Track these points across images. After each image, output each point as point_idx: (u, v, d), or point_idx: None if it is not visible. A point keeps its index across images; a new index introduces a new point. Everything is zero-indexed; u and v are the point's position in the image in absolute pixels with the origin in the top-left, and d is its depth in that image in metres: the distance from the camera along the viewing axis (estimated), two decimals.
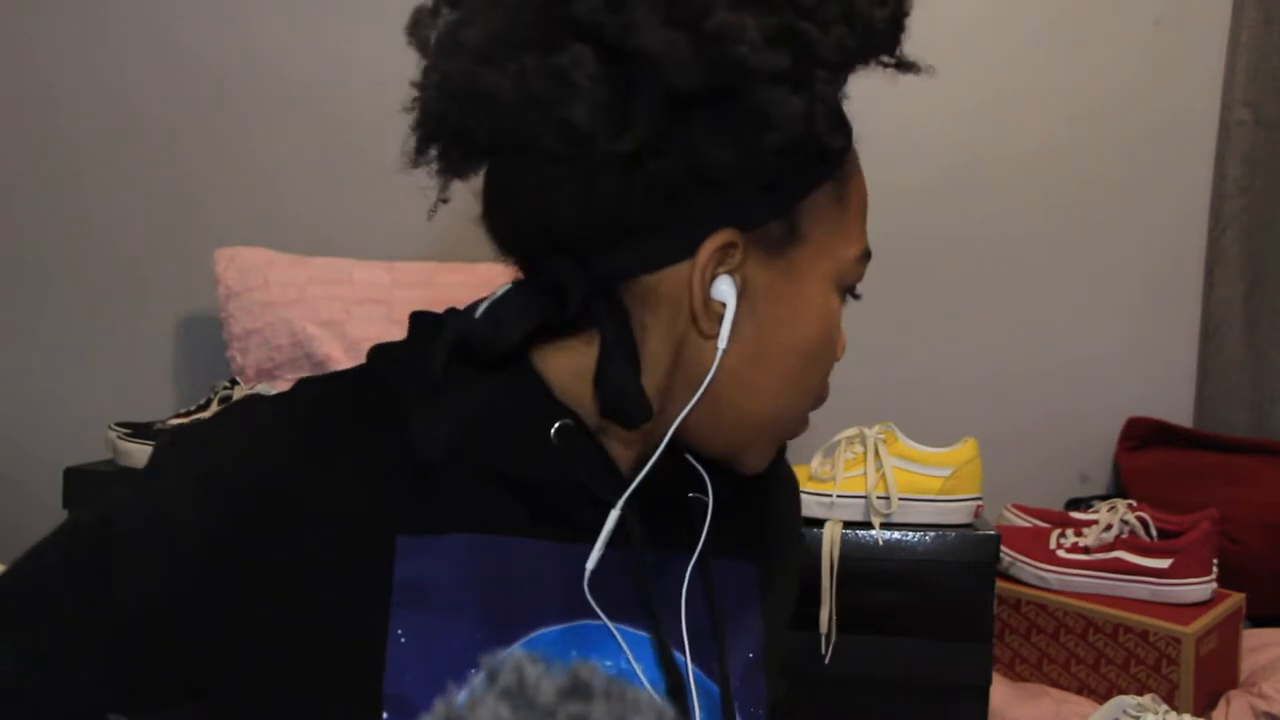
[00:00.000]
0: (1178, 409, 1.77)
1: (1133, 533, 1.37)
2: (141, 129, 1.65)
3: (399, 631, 0.54)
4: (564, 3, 0.53)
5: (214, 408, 1.29)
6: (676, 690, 0.60)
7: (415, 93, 0.59)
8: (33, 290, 1.66)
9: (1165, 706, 1.15)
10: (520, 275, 0.63)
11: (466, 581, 0.56)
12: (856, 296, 0.67)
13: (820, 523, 1.18)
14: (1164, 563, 1.33)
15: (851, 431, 1.24)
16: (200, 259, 1.53)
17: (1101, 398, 1.76)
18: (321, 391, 0.60)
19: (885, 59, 0.64)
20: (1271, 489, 1.59)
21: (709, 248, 0.57)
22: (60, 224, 1.66)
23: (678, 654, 0.61)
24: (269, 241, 1.51)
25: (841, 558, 1.15)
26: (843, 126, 0.64)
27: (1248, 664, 1.37)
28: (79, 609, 0.55)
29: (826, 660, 1.15)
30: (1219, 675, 1.32)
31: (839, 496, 1.18)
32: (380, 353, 0.62)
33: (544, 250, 0.58)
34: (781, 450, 0.70)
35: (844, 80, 0.61)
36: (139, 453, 1.28)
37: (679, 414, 0.60)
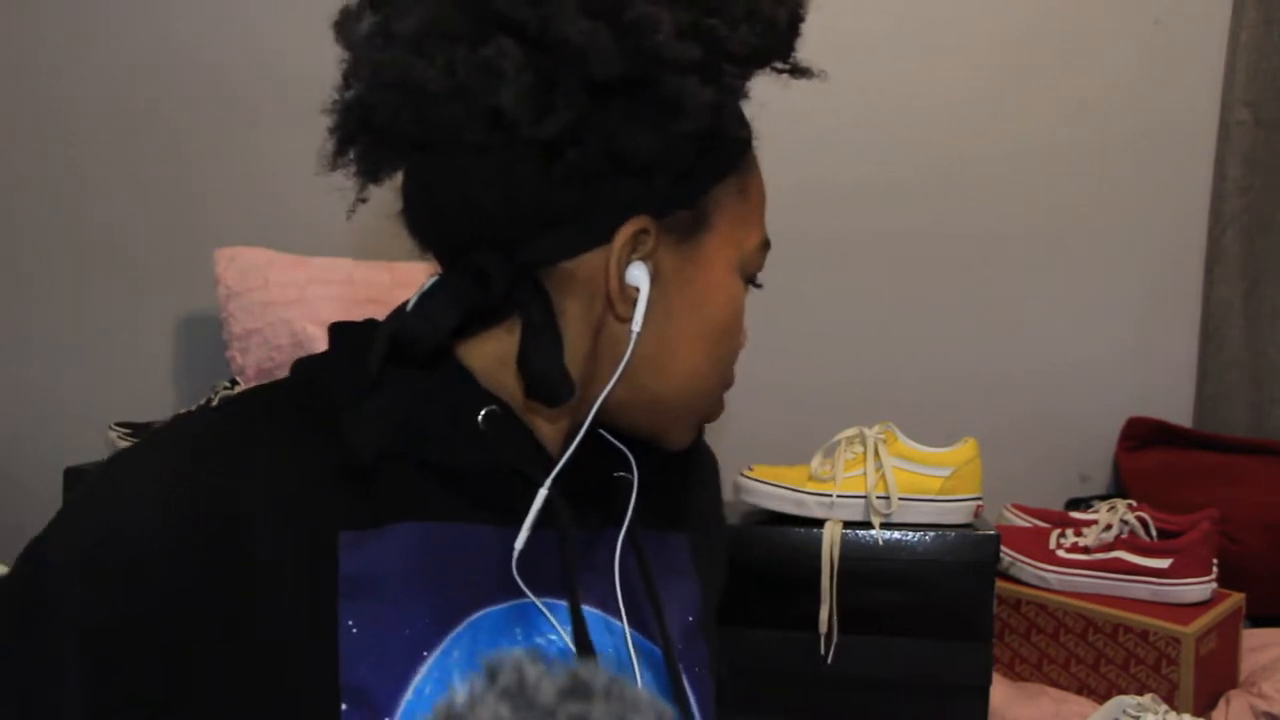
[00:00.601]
0: (1178, 409, 1.77)
1: (1133, 533, 1.37)
2: (142, 129, 1.65)
3: (349, 623, 0.55)
4: (485, 1, 0.55)
5: None
6: (621, 659, 0.62)
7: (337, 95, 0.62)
8: (33, 290, 1.66)
9: (1165, 706, 1.15)
10: (440, 270, 0.65)
11: (410, 570, 0.58)
12: (758, 286, 0.71)
13: (820, 523, 1.18)
14: (1164, 563, 1.33)
15: (851, 431, 1.24)
16: (200, 259, 1.53)
17: (1101, 398, 1.76)
18: (254, 401, 0.61)
19: (780, 64, 0.68)
20: (1271, 489, 1.59)
21: (624, 234, 0.60)
22: (60, 224, 1.66)
23: (614, 620, 0.64)
24: (269, 241, 1.51)
25: (841, 558, 1.15)
26: (744, 122, 0.68)
27: (1248, 664, 1.37)
28: (34, 671, 0.54)
29: (828, 660, 1.15)
30: (1219, 675, 1.32)
31: (839, 496, 1.18)
32: (306, 362, 0.64)
33: (466, 242, 0.60)
34: (700, 431, 0.74)
35: (748, 77, 0.65)
36: None
37: (600, 395, 0.63)
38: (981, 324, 1.76)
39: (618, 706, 0.31)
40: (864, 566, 1.16)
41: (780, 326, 1.75)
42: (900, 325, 1.76)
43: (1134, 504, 1.42)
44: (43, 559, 0.55)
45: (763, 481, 1.22)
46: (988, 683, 1.18)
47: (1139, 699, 1.16)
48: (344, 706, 0.54)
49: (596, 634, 0.62)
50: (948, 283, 1.76)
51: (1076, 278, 1.77)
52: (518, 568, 0.60)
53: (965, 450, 1.24)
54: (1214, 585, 1.35)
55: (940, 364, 1.76)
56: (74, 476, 1.29)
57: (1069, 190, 1.76)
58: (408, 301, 0.63)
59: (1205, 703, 1.28)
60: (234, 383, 1.33)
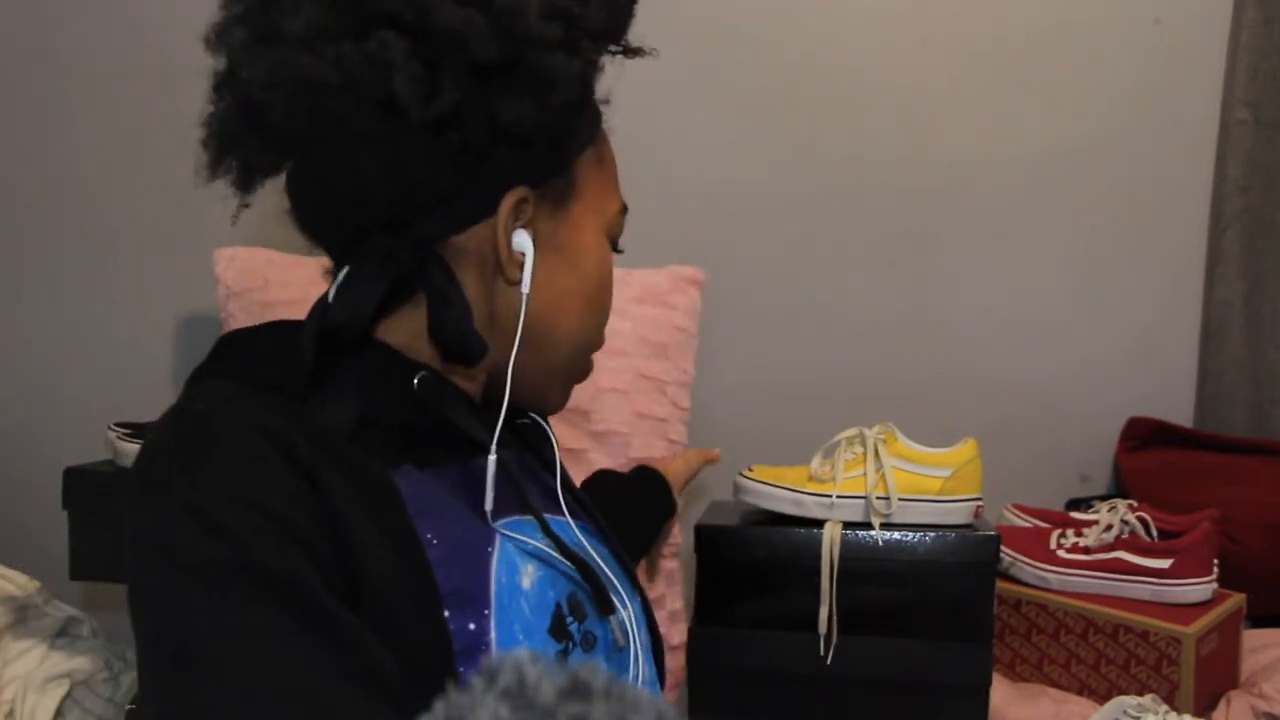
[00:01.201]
0: (1178, 409, 1.77)
1: (1133, 533, 1.37)
2: (142, 128, 1.65)
3: (429, 536, 0.62)
4: None
5: None
6: (579, 545, 0.72)
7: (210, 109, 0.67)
8: (33, 290, 1.66)
9: (1165, 707, 1.15)
10: (331, 263, 0.71)
11: (439, 495, 0.65)
12: (619, 251, 0.76)
13: (820, 523, 1.18)
14: (1164, 563, 1.33)
15: (851, 432, 1.23)
16: (200, 259, 1.53)
17: (1101, 398, 1.76)
18: (228, 395, 0.63)
19: (616, 47, 0.72)
20: (1272, 489, 1.59)
21: (507, 204, 0.67)
22: (60, 224, 1.66)
23: (562, 518, 0.74)
24: (269, 241, 1.51)
25: (841, 558, 1.15)
26: (595, 104, 0.73)
27: (1248, 664, 1.37)
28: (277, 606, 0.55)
29: (828, 661, 1.15)
30: (1219, 675, 1.32)
31: (839, 497, 1.17)
32: (239, 359, 0.67)
33: (362, 228, 0.66)
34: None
35: (602, 51, 0.70)
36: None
37: (505, 359, 0.69)
38: (981, 324, 1.76)
39: (618, 706, 0.31)
40: (864, 567, 1.16)
41: (781, 325, 1.75)
42: (900, 325, 1.76)
43: (1134, 504, 1.42)
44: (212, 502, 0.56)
45: (762, 482, 1.22)
46: (988, 683, 1.18)
47: (1139, 699, 1.16)
48: (446, 613, 0.60)
49: (562, 531, 0.72)
50: (948, 283, 1.76)
51: (1076, 278, 1.77)
52: (478, 498, 0.68)
53: (965, 450, 1.23)
54: (1215, 585, 1.35)
55: (940, 364, 1.76)
56: (74, 476, 1.29)
57: (1069, 190, 1.76)
58: (324, 298, 0.68)
59: (1206, 703, 1.28)
60: None
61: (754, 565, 1.18)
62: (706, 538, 1.21)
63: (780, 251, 1.73)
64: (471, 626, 0.61)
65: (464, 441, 0.68)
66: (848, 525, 1.17)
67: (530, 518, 0.70)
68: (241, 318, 1.49)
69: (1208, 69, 1.73)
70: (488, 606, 0.62)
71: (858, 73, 1.71)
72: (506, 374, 0.69)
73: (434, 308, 0.67)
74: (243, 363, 0.67)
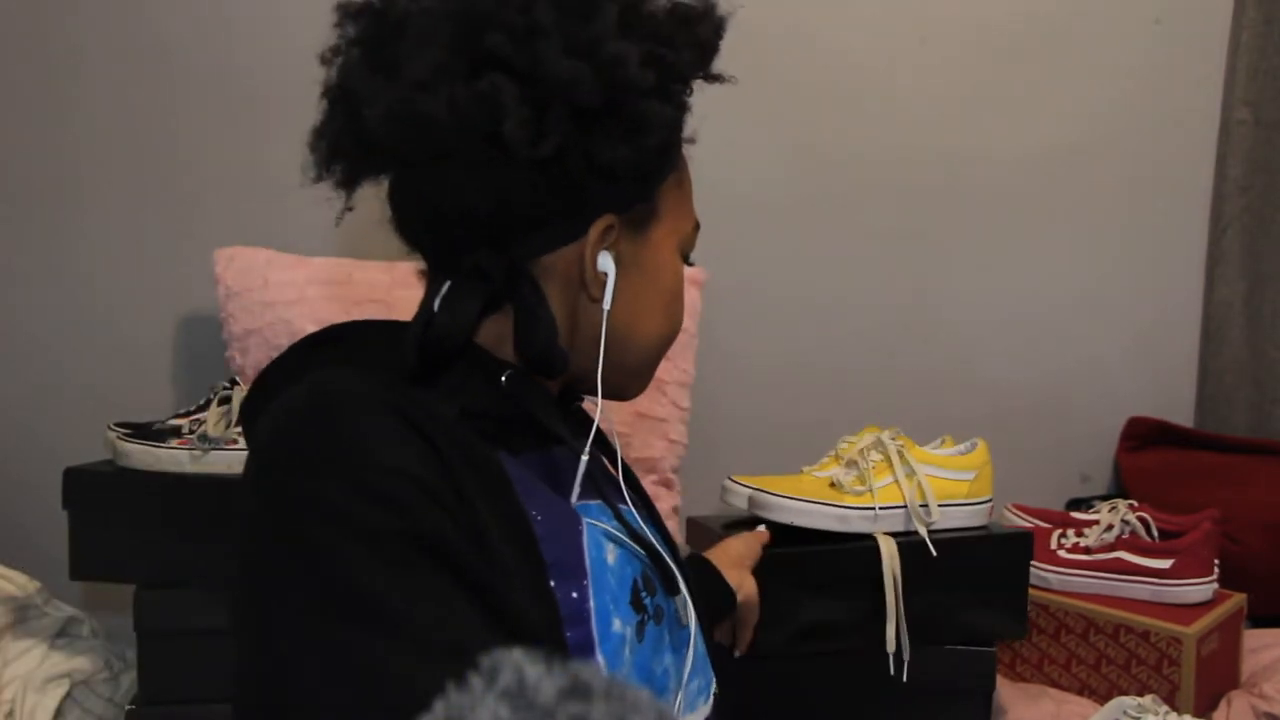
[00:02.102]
0: (1178, 409, 1.77)
1: (1133, 533, 1.37)
2: (142, 128, 1.64)
3: (534, 513, 0.67)
4: (478, 39, 0.66)
5: (214, 408, 1.29)
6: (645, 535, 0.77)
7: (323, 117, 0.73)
8: (32, 290, 1.66)
9: (1166, 707, 1.15)
10: (426, 269, 0.77)
11: (533, 479, 0.70)
12: (691, 264, 0.83)
13: (866, 536, 1.12)
14: (1165, 563, 1.33)
15: (867, 440, 1.19)
16: (200, 259, 1.53)
17: (1102, 398, 1.76)
18: (356, 379, 0.67)
19: (705, 75, 0.78)
20: (1272, 489, 1.59)
21: (596, 230, 0.72)
22: (60, 223, 1.66)
23: (628, 508, 0.79)
24: (269, 241, 1.51)
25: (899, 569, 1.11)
26: (682, 133, 0.78)
27: (1249, 664, 1.37)
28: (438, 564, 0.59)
29: (903, 678, 1.11)
30: (1220, 676, 1.32)
31: (881, 509, 1.13)
32: (327, 366, 0.71)
33: (460, 243, 0.72)
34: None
35: (690, 91, 0.76)
36: (139, 453, 1.28)
37: (585, 364, 0.76)
38: (981, 324, 1.76)
39: (618, 707, 0.31)
40: (912, 576, 1.12)
41: (781, 325, 1.75)
42: (900, 325, 1.76)
43: (1135, 504, 1.42)
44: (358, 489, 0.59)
45: (792, 498, 1.15)
46: (991, 686, 1.18)
47: (1140, 699, 1.15)
48: (552, 582, 0.66)
49: (629, 518, 0.76)
50: (948, 283, 1.76)
51: (1077, 278, 1.77)
52: (557, 484, 0.74)
53: (981, 453, 1.23)
54: (1215, 586, 1.35)
55: (941, 364, 1.76)
56: (74, 476, 1.29)
57: (1069, 190, 1.76)
58: (427, 306, 0.73)
59: (1206, 703, 1.28)
60: (234, 383, 1.33)
61: (802, 583, 1.13)
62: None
63: (780, 251, 1.73)
64: (574, 594, 0.68)
65: (543, 433, 0.74)
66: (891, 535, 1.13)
67: (601, 503, 0.76)
68: (241, 318, 1.49)
69: (1208, 69, 1.73)
70: (585, 577, 0.69)
71: (858, 73, 1.71)
72: (586, 377, 0.76)
73: (521, 322, 0.73)
74: (351, 355, 0.72)
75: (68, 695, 1.33)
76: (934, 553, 1.12)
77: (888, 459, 1.17)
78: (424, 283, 0.78)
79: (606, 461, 0.84)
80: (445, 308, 0.71)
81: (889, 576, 1.10)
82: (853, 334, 1.75)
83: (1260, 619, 1.47)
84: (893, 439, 1.18)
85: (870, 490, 1.14)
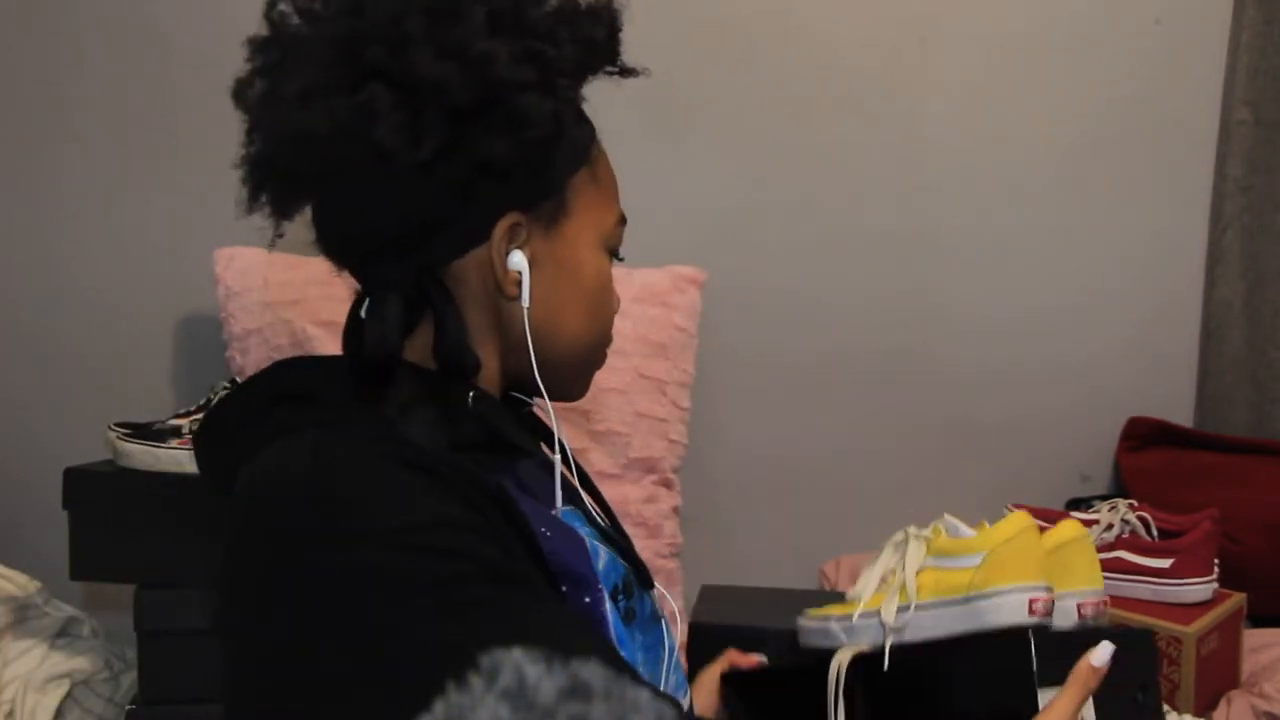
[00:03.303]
0: (1178, 409, 1.77)
1: (1134, 532, 1.37)
2: (142, 128, 1.64)
3: (543, 529, 0.70)
4: (357, 54, 0.69)
5: (228, 391, 1.29)
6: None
7: (245, 149, 0.76)
8: (32, 289, 1.66)
9: (1166, 707, 1.14)
10: (354, 281, 0.79)
11: (522, 496, 0.72)
12: (620, 259, 0.82)
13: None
14: (1165, 562, 1.33)
15: (897, 536, 0.97)
16: (200, 259, 1.53)
17: (1102, 397, 1.76)
18: (346, 439, 0.67)
19: (610, 69, 0.78)
20: (1272, 489, 1.59)
21: (500, 229, 0.73)
22: (59, 223, 1.66)
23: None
24: (268, 242, 1.51)
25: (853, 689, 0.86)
26: (586, 122, 0.79)
27: (1249, 664, 1.37)
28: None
29: None
30: (1220, 675, 1.32)
31: (860, 617, 0.91)
32: (295, 394, 0.73)
33: (372, 256, 0.74)
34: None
35: (581, 84, 0.77)
36: (139, 453, 1.28)
37: (519, 366, 0.77)
38: (981, 324, 1.76)
39: (618, 707, 0.31)
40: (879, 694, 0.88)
41: (781, 325, 1.74)
42: (900, 325, 1.76)
43: (1135, 504, 1.42)
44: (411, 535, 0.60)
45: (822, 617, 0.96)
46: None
47: None
48: (564, 588, 0.69)
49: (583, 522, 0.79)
50: (947, 283, 1.76)
51: (1077, 277, 1.76)
52: (529, 493, 0.75)
53: (1008, 525, 0.90)
54: (1215, 585, 1.34)
55: (941, 364, 1.76)
56: (74, 476, 1.29)
57: (1069, 190, 1.76)
58: (353, 322, 0.76)
59: (1206, 703, 1.28)
60: (234, 383, 1.33)
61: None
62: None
63: (780, 251, 1.73)
64: (587, 600, 0.71)
65: (508, 448, 0.75)
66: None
67: (572, 508, 0.79)
68: (241, 318, 1.49)
69: (1208, 69, 1.73)
70: (599, 584, 0.72)
71: (858, 73, 1.71)
72: (524, 378, 0.78)
73: (436, 325, 0.74)
74: (328, 412, 0.72)
75: (68, 695, 1.33)
76: (885, 667, 0.87)
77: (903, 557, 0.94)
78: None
79: (557, 461, 0.85)
80: (371, 317, 0.73)
81: (831, 695, 0.88)
82: (853, 334, 1.74)
83: (1260, 619, 1.47)
84: (921, 531, 0.95)
85: (860, 597, 0.93)
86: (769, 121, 1.71)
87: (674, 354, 1.56)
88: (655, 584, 0.80)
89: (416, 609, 0.57)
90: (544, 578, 0.67)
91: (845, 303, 1.73)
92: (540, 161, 0.73)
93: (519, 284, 0.75)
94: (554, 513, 0.76)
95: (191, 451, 1.25)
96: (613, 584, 0.75)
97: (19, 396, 1.67)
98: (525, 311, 0.75)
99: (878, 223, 1.73)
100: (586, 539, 0.74)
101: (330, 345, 1.42)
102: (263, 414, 0.72)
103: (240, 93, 0.76)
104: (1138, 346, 1.77)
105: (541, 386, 0.77)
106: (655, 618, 0.80)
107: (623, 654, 0.71)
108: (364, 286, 0.78)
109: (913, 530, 0.97)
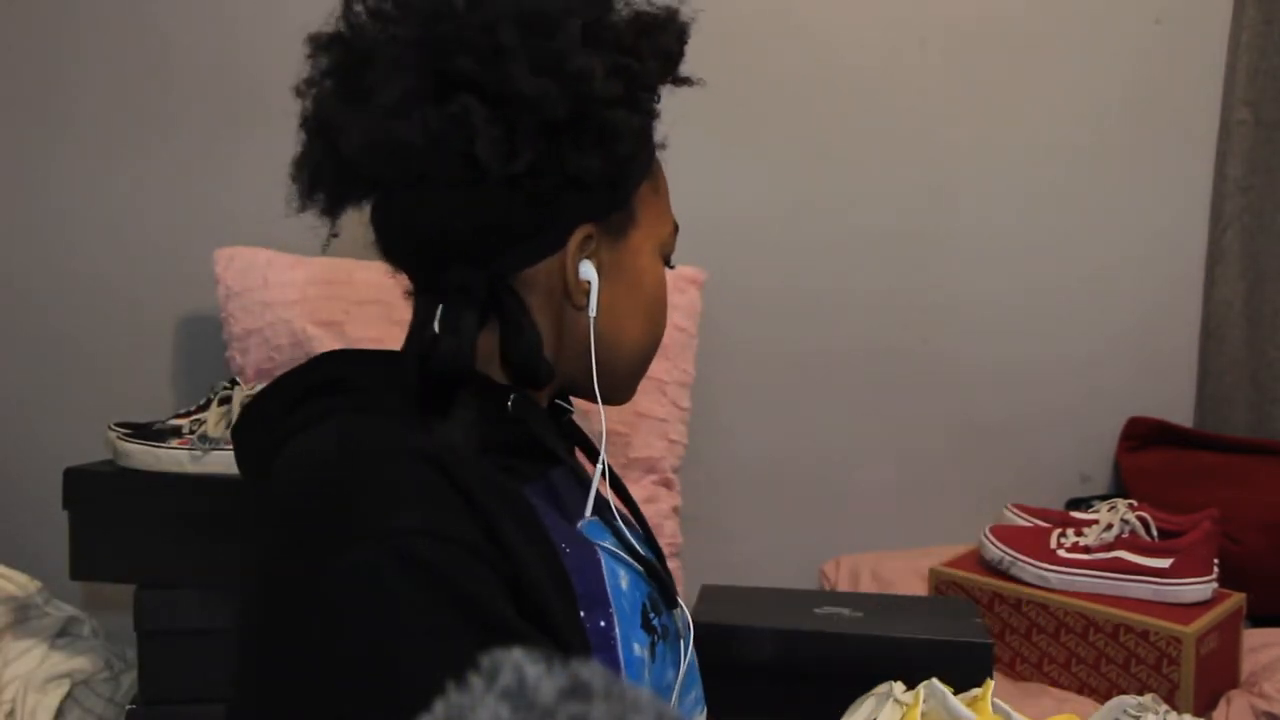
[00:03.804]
0: (1178, 409, 1.77)
1: (1133, 532, 1.37)
2: (142, 128, 1.64)
3: (563, 545, 0.69)
4: (447, 63, 0.67)
5: (214, 408, 1.29)
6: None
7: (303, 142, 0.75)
8: (32, 290, 1.66)
9: (1165, 706, 1.14)
10: (410, 284, 0.78)
11: (549, 508, 0.72)
12: (671, 266, 0.83)
13: None
14: (1165, 562, 1.33)
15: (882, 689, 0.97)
16: (200, 259, 1.53)
17: (1102, 398, 1.76)
18: (377, 428, 0.68)
19: (674, 79, 0.79)
20: (1271, 489, 1.59)
21: (575, 240, 0.73)
22: (59, 222, 1.66)
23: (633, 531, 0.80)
24: (269, 241, 1.51)
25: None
26: (653, 137, 0.80)
27: (1248, 664, 1.37)
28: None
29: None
30: (1220, 675, 1.32)
31: None
32: (341, 413, 0.71)
33: (442, 262, 0.73)
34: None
35: (658, 97, 0.78)
36: (139, 453, 1.28)
37: (574, 373, 0.78)
38: (981, 324, 1.76)
39: (618, 706, 0.31)
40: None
41: (781, 325, 1.75)
42: (900, 325, 1.76)
43: (1135, 504, 1.42)
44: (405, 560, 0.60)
45: None
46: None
47: (1139, 699, 1.15)
48: (582, 613, 0.68)
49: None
50: (947, 283, 1.76)
51: (1077, 278, 1.76)
52: (560, 506, 0.75)
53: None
54: (1215, 585, 1.35)
55: (941, 364, 1.76)
56: (74, 476, 1.29)
57: (1069, 190, 1.76)
58: (420, 332, 0.73)
59: (1206, 703, 1.28)
60: (234, 383, 1.33)
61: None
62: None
63: (780, 251, 1.73)
64: (601, 624, 0.70)
65: (544, 454, 0.75)
66: None
67: (598, 520, 0.78)
68: (241, 318, 1.49)
69: (1208, 69, 1.73)
70: (610, 606, 0.71)
71: (858, 73, 1.71)
72: (576, 385, 0.79)
73: (507, 335, 0.74)
74: (363, 398, 0.72)
75: (68, 695, 1.33)
76: None
77: None
78: (410, 302, 0.78)
79: (590, 467, 0.85)
80: (447, 329, 0.71)
81: None
82: (853, 334, 1.74)
83: (1260, 619, 1.47)
84: (900, 697, 0.93)
85: None
86: (769, 121, 1.71)
87: (674, 354, 1.56)
88: (679, 604, 0.79)
89: (383, 621, 0.58)
90: (557, 592, 0.66)
91: (845, 303, 1.73)
92: (620, 175, 0.74)
93: (587, 293, 0.75)
94: (580, 524, 0.75)
95: (192, 451, 1.26)
96: (639, 603, 0.74)
97: (19, 396, 1.67)
98: (592, 321, 0.75)
99: (877, 223, 1.73)
100: (604, 559, 0.73)
101: (330, 345, 1.42)
102: (298, 403, 0.73)
103: (304, 88, 0.75)
104: (1138, 346, 1.77)
105: (598, 392, 0.77)
106: (675, 635, 0.79)
107: (643, 676, 0.71)
108: (425, 290, 0.76)
109: (898, 691, 0.93)
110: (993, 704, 0.88)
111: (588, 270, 0.75)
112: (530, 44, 0.68)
